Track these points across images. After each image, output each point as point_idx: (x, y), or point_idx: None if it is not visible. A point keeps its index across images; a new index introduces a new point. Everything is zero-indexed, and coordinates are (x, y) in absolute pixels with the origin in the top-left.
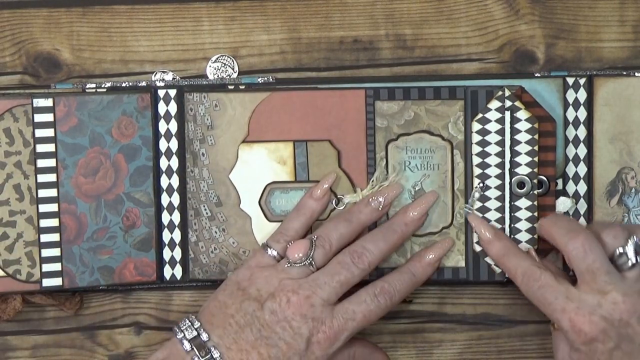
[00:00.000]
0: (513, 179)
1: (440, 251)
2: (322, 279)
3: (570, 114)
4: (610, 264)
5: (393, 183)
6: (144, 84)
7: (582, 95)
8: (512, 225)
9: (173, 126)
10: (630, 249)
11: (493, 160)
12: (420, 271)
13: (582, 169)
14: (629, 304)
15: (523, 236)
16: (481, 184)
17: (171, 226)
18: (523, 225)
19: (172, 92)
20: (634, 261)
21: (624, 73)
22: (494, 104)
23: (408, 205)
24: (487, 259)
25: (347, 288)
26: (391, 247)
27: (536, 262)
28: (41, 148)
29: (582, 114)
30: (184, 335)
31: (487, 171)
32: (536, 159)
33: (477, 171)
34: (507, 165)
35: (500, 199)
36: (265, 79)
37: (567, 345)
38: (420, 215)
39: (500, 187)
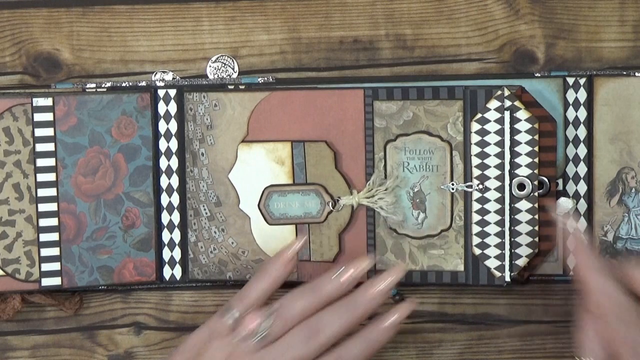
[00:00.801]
0: (513, 181)
1: (386, 283)
2: (273, 354)
3: (571, 114)
4: None
5: (361, 262)
6: (144, 84)
7: (582, 95)
8: (513, 228)
9: (173, 126)
10: None
11: (492, 161)
12: (376, 335)
13: (582, 169)
14: None
15: (523, 239)
16: (480, 186)
17: (171, 226)
18: (523, 228)
19: (172, 92)
20: None
21: (624, 73)
22: (493, 103)
23: (374, 278)
24: (487, 263)
25: None
26: (353, 323)
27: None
28: (41, 147)
29: (582, 114)
30: None
31: (487, 172)
32: (536, 159)
33: (476, 172)
34: (507, 167)
35: (500, 200)
36: (265, 79)
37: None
38: (387, 290)
39: (500, 189)
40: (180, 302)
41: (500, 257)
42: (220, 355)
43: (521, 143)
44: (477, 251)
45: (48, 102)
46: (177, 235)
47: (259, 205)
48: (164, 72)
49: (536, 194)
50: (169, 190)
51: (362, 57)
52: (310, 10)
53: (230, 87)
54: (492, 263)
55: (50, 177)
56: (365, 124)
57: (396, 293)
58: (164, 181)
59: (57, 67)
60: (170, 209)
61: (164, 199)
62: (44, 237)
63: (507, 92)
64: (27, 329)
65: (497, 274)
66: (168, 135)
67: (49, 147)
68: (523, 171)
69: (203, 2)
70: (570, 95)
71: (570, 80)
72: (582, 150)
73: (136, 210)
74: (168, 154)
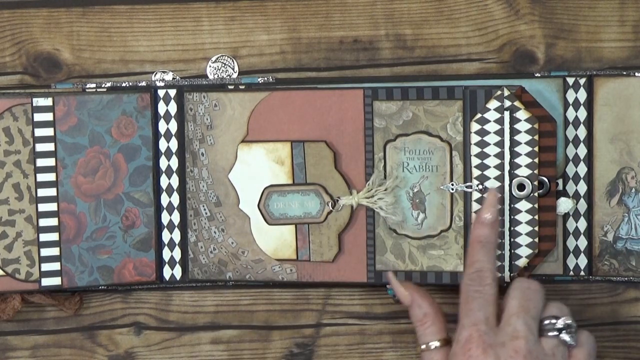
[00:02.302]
0: (513, 181)
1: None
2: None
3: (570, 114)
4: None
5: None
6: (144, 84)
7: (582, 95)
8: (512, 228)
9: (173, 126)
10: (561, 322)
11: (492, 161)
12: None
13: (582, 169)
14: None
15: (524, 239)
16: (480, 186)
17: (171, 226)
18: (523, 228)
19: (172, 92)
20: (557, 333)
21: (624, 73)
22: (493, 103)
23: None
24: None
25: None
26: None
27: (495, 276)
28: (40, 147)
29: (582, 114)
30: None
31: (486, 172)
32: (536, 160)
33: (475, 172)
34: (507, 167)
35: (500, 201)
36: (265, 79)
37: None
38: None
39: (500, 189)
40: (180, 302)
41: (500, 258)
42: None
43: (521, 143)
44: None
45: (48, 102)
46: (177, 235)
47: (258, 205)
48: (164, 72)
49: (536, 194)
50: (169, 190)
51: (362, 57)
52: (310, 10)
53: (230, 87)
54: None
55: (50, 177)
56: (365, 124)
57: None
58: (164, 181)
59: (57, 67)
60: (170, 209)
61: (164, 199)
62: (44, 237)
63: (507, 92)
64: (27, 329)
65: (497, 274)
66: (168, 135)
67: (49, 147)
68: (523, 171)
69: (203, 2)
70: (570, 95)
71: (570, 80)
72: (582, 150)
73: (136, 210)
74: (168, 154)
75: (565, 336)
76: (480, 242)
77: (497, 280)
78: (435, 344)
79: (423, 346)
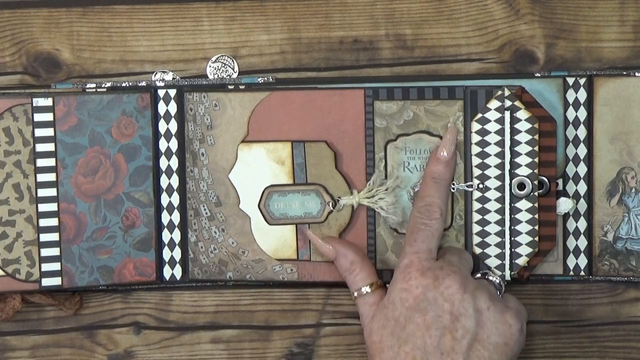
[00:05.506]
0: (513, 180)
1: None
2: None
3: (570, 114)
4: None
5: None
6: (144, 83)
7: (582, 95)
8: (513, 227)
9: (173, 126)
10: (490, 275)
11: (493, 161)
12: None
13: (582, 169)
14: (459, 294)
15: (523, 239)
16: (480, 185)
17: (171, 226)
18: (523, 227)
19: (172, 92)
20: (483, 276)
21: (624, 73)
22: (494, 103)
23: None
24: (487, 262)
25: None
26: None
27: (444, 212)
28: (41, 147)
29: (582, 114)
30: None
31: (487, 172)
32: (536, 159)
33: (476, 172)
34: (507, 166)
35: (500, 200)
36: (265, 79)
37: (373, 306)
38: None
39: (500, 189)
40: (180, 302)
41: (501, 257)
42: None
43: (521, 143)
44: (478, 250)
45: (48, 102)
46: (177, 235)
47: (259, 205)
48: (164, 72)
49: (536, 193)
50: (169, 190)
51: (362, 57)
52: (310, 10)
53: (230, 87)
54: (492, 262)
55: (50, 177)
56: (366, 123)
57: None
58: (164, 181)
59: (57, 67)
60: (170, 209)
61: (164, 199)
62: (44, 237)
63: (507, 92)
64: (27, 329)
65: (498, 273)
66: (168, 135)
67: (49, 147)
68: (523, 171)
69: (203, 2)
70: (570, 95)
71: (570, 80)
72: (582, 150)
73: (136, 210)
74: (168, 154)
75: (492, 277)
76: (433, 179)
77: (445, 216)
78: (366, 289)
79: (355, 293)
